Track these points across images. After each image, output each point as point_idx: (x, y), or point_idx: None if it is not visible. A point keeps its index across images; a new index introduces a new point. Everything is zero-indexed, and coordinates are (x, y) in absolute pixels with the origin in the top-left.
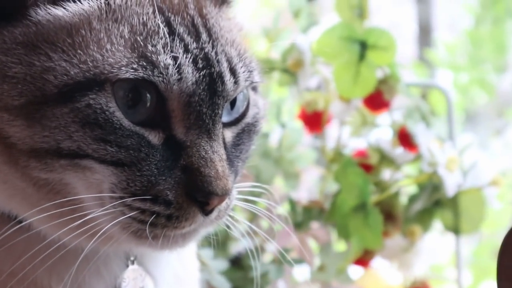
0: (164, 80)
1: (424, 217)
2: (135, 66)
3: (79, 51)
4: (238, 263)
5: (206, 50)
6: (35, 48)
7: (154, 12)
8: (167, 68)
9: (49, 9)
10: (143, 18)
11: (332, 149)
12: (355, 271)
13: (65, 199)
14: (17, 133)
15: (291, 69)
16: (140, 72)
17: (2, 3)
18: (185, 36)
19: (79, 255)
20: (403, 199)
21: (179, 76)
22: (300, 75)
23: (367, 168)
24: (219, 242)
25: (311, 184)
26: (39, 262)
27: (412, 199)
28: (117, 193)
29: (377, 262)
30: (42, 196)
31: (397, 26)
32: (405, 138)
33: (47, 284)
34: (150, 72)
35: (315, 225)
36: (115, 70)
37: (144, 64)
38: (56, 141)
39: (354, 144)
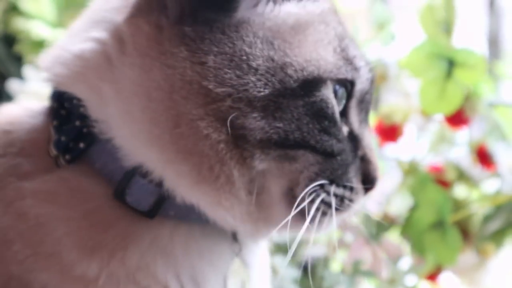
0: (359, 80)
1: (497, 236)
2: (347, 68)
3: (312, 48)
4: (306, 272)
5: (363, 53)
6: (272, 43)
7: (339, 21)
8: (361, 70)
9: (284, 5)
10: (339, 24)
11: (407, 163)
12: (423, 285)
13: (261, 187)
14: (250, 124)
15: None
16: (349, 74)
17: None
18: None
19: (203, 245)
20: (479, 217)
21: (367, 76)
22: (382, 88)
23: (443, 184)
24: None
25: (381, 195)
26: (166, 254)
27: (488, 218)
28: (318, 181)
29: (446, 278)
30: (244, 186)
31: (466, 38)
32: (483, 157)
33: (164, 275)
34: (354, 74)
35: (386, 237)
36: (335, 71)
37: (350, 67)
38: (285, 132)
39: (430, 159)
